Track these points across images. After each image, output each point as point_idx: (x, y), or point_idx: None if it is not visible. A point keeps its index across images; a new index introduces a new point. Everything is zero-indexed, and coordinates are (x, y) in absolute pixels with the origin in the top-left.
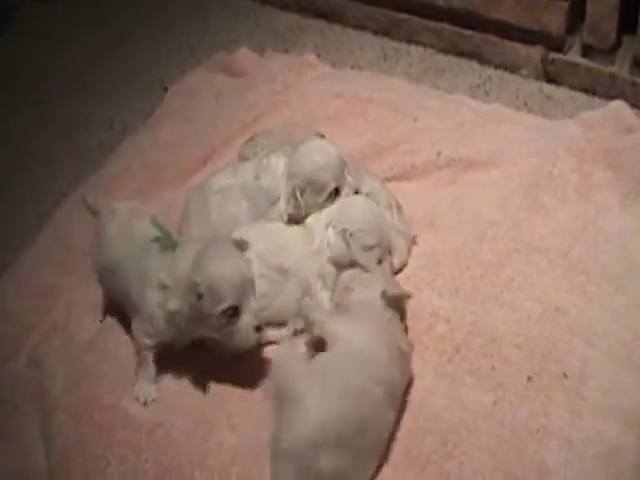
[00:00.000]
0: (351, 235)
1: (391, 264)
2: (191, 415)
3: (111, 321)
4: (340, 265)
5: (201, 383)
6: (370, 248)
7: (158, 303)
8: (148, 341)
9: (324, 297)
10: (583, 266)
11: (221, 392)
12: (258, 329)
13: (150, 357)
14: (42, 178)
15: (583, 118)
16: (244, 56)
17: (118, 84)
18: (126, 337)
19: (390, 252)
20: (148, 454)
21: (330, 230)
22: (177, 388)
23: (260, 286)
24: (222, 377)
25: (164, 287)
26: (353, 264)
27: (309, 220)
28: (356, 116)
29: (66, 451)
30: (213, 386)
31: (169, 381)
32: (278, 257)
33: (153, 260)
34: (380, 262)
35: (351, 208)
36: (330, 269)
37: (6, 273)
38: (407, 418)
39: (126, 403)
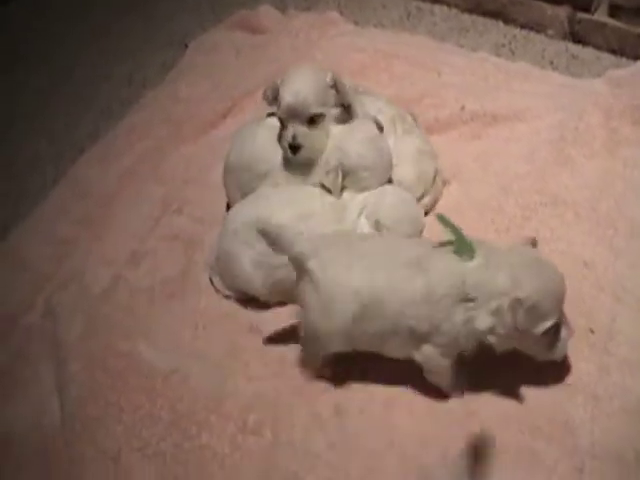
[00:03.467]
0: (385, 226)
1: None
2: (207, 361)
3: (124, 273)
4: None
5: (217, 331)
6: None
7: (463, 320)
8: (445, 362)
9: None
10: (611, 220)
11: (237, 341)
12: None
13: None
14: (62, 132)
15: (610, 76)
16: (265, 13)
17: (138, 40)
18: (139, 287)
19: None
20: (163, 401)
21: (363, 219)
22: (192, 334)
23: (278, 260)
24: (237, 326)
25: (469, 301)
26: None
27: (344, 196)
28: (380, 70)
29: (80, 399)
30: (229, 335)
31: (184, 327)
32: (297, 229)
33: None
34: None
35: (384, 198)
36: None
37: (24, 223)
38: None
39: (141, 349)
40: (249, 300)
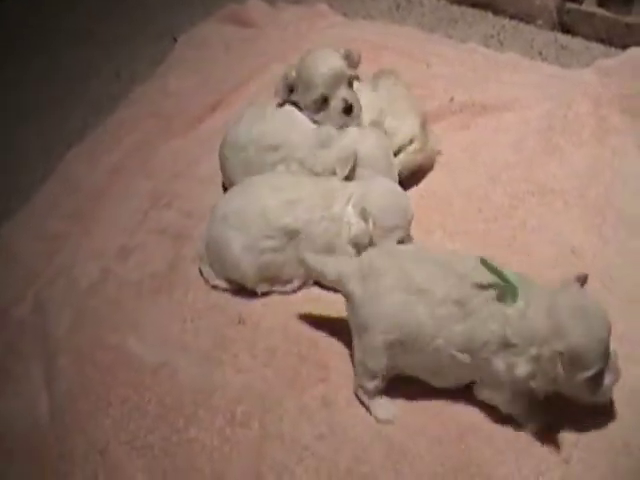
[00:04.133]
0: (371, 215)
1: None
2: (195, 354)
3: (113, 267)
4: (360, 246)
5: (205, 324)
6: (391, 230)
7: (505, 366)
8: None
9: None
10: (599, 208)
11: (226, 333)
12: None
13: None
14: (51, 127)
15: (599, 66)
16: (255, 6)
17: (127, 34)
18: (127, 281)
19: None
20: (151, 394)
21: (350, 208)
22: (180, 327)
23: (266, 244)
24: (225, 319)
25: (511, 347)
26: (372, 245)
27: (333, 183)
28: (369, 61)
29: (68, 393)
30: (217, 327)
31: (172, 321)
32: (285, 216)
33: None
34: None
35: (373, 188)
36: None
37: (14, 218)
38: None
39: (129, 343)
40: (237, 291)
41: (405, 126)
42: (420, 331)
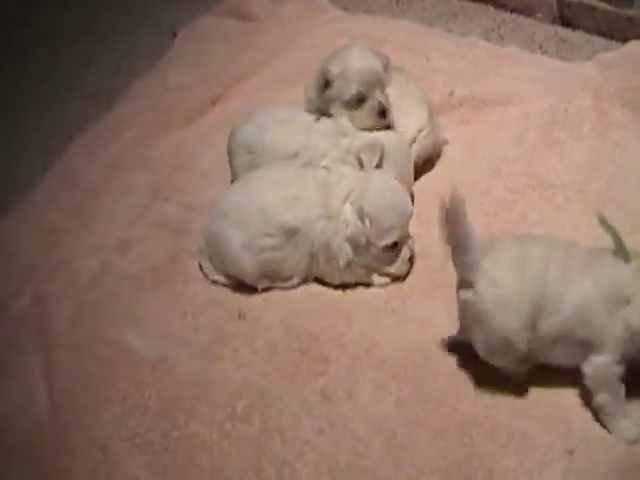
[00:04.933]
0: (367, 214)
1: (411, 249)
2: (195, 349)
3: (112, 260)
4: (356, 244)
5: (205, 318)
6: (387, 230)
7: (623, 324)
8: (613, 372)
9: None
10: (601, 203)
11: (226, 328)
12: None
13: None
14: (50, 120)
15: (600, 59)
16: (255, 0)
17: (127, 28)
18: (127, 275)
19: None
20: (151, 390)
21: (348, 205)
22: (180, 321)
23: (265, 242)
24: (226, 313)
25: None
26: (369, 244)
27: (331, 179)
28: None
29: (68, 388)
30: (217, 322)
31: (172, 315)
32: (284, 213)
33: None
34: (396, 244)
35: (370, 185)
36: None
37: (13, 212)
38: (417, 356)
39: (129, 337)
40: (237, 286)
41: (413, 119)
42: (553, 295)
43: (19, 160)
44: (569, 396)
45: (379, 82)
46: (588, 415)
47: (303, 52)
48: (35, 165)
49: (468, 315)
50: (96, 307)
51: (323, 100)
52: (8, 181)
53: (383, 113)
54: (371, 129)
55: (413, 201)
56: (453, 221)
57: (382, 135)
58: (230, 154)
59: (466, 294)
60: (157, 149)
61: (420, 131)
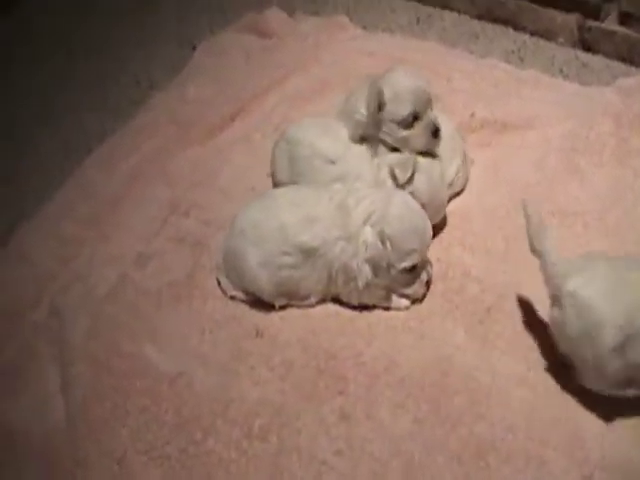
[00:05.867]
0: (389, 238)
1: (428, 272)
2: (213, 365)
3: (131, 273)
4: (376, 266)
5: (223, 335)
6: (408, 253)
7: None
8: None
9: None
10: (619, 230)
11: (243, 345)
12: None
13: None
14: (69, 131)
15: (620, 85)
16: (274, 16)
17: (146, 41)
18: (145, 289)
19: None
20: (168, 404)
21: (368, 228)
22: (198, 337)
23: (283, 260)
24: (243, 330)
25: None
26: (389, 266)
27: (349, 201)
28: None
29: (85, 401)
30: (235, 339)
31: (190, 331)
32: (302, 233)
33: None
34: (415, 267)
35: (390, 208)
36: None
37: (30, 222)
38: (436, 374)
39: (147, 351)
40: (255, 302)
41: (452, 166)
42: None
43: (38, 170)
44: (585, 421)
45: (429, 102)
46: (605, 441)
47: (322, 70)
48: (53, 175)
49: (556, 333)
50: (114, 320)
51: (375, 122)
52: (26, 190)
53: (436, 132)
54: (424, 150)
55: (445, 222)
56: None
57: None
58: (273, 156)
59: (554, 313)
60: (176, 163)
61: (457, 173)
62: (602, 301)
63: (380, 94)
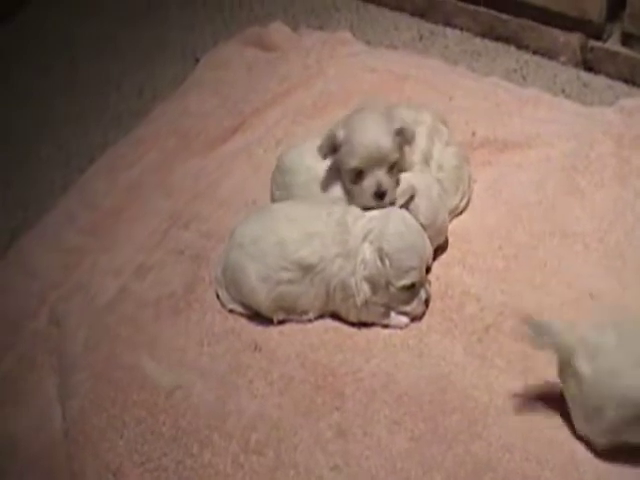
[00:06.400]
0: (387, 255)
1: (427, 291)
2: (211, 378)
3: (130, 285)
4: (375, 284)
5: (221, 348)
6: (406, 271)
7: None
8: None
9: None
10: (620, 252)
11: (242, 360)
12: None
13: None
14: (71, 141)
15: (622, 105)
16: (277, 30)
17: (149, 52)
18: (145, 301)
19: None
20: (165, 417)
21: (367, 244)
22: (197, 350)
23: (282, 275)
24: (242, 344)
25: None
26: (388, 284)
27: (348, 218)
28: (390, 91)
29: (82, 411)
30: (233, 353)
31: (188, 343)
32: (301, 249)
33: None
34: (414, 285)
35: (389, 225)
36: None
37: (32, 231)
38: (434, 392)
39: (145, 363)
40: (254, 316)
41: (456, 197)
42: None
43: (39, 179)
44: (580, 442)
45: (383, 159)
46: (600, 462)
47: (324, 85)
48: (55, 185)
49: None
50: (112, 331)
51: (333, 162)
52: (28, 200)
53: (381, 195)
54: (366, 209)
55: (447, 243)
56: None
57: (409, 176)
58: (273, 175)
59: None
60: (177, 174)
61: (461, 201)
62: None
63: (332, 136)
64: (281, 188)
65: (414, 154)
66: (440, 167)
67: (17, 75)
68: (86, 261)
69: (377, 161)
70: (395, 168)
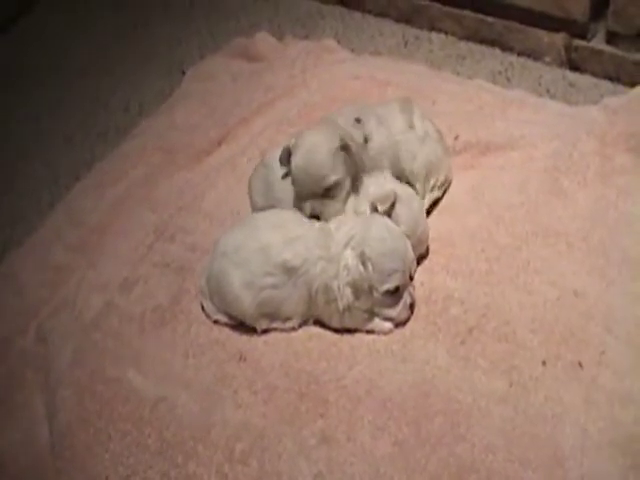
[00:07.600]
0: (370, 259)
1: (411, 295)
2: (195, 389)
3: (116, 299)
4: (358, 289)
5: (206, 359)
6: (389, 274)
7: None
8: None
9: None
10: (603, 250)
11: (227, 370)
12: None
13: None
14: (58, 158)
15: (607, 104)
16: (262, 40)
17: (136, 66)
18: (130, 315)
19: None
20: (150, 429)
21: (349, 250)
22: (181, 362)
23: (265, 281)
24: (227, 355)
25: None
26: (371, 289)
27: (330, 224)
28: (373, 98)
29: (69, 426)
30: (218, 363)
31: (174, 355)
32: (284, 252)
33: None
34: (398, 289)
35: (371, 230)
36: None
37: (19, 248)
38: (417, 396)
39: (130, 377)
40: (239, 327)
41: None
42: None
43: (26, 196)
44: (564, 439)
45: (316, 188)
46: (584, 461)
47: (308, 94)
48: (42, 202)
49: None
50: (98, 346)
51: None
52: (15, 217)
53: (317, 217)
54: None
55: (428, 251)
56: None
57: (392, 185)
58: (250, 181)
59: None
60: (163, 188)
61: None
62: None
63: (287, 153)
64: (261, 191)
65: (396, 121)
66: (426, 133)
67: (1, 93)
68: (73, 277)
69: (311, 188)
70: (337, 191)
